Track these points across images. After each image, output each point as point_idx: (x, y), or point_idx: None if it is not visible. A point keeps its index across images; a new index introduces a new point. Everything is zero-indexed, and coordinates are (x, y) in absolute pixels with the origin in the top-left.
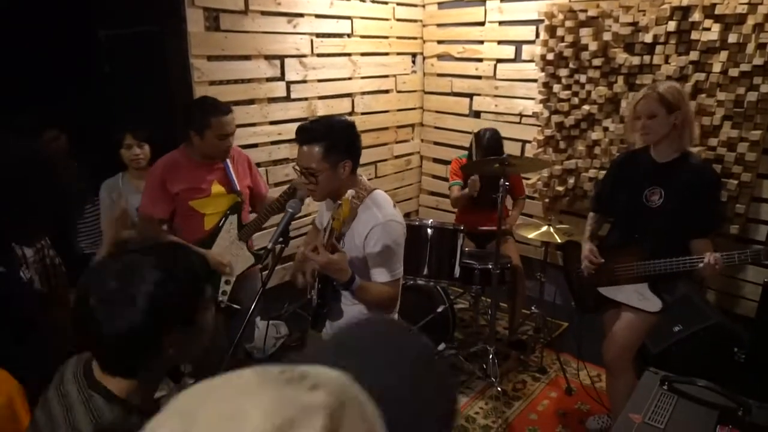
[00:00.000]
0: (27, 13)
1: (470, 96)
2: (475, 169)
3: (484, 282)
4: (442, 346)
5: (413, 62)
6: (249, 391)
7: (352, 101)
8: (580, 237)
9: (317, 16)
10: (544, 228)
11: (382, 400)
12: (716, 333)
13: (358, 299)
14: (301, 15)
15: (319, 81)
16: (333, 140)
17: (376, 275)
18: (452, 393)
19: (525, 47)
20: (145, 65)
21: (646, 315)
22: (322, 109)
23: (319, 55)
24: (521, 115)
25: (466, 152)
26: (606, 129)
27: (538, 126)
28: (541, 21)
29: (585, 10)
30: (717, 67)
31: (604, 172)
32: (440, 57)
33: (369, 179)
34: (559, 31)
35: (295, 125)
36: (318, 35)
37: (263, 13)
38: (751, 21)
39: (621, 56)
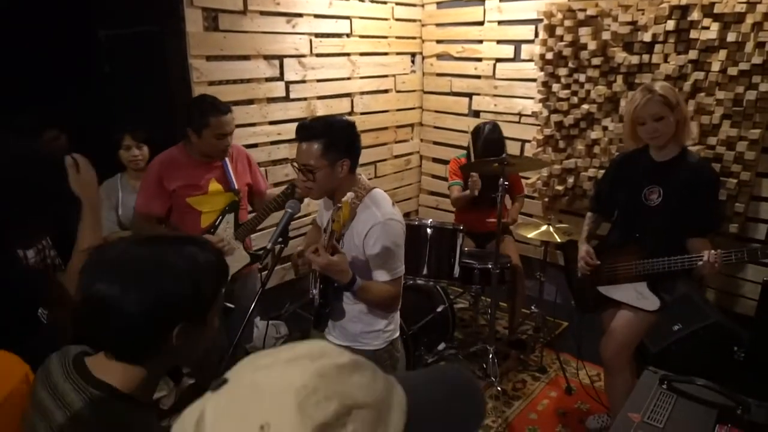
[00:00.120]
0: (27, 13)
1: (469, 95)
2: (474, 168)
3: (483, 281)
4: (441, 346)
5: (412, 62)
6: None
7: (352, 101)
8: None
9: (316, 16)
10: (544, 227)
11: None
12: (716, 332)
13: (360, 299)
14: (300, 15)
15: (318, 81)
16: (332, 138)
17: (377, 275)
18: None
19: (524, 47)
20: (144, 65)
21: (644, 314)
22: (322, 109)
23: (318, 55)
24: (520, 115)
25: (464, 152)
26: (605, 128)
27: (538, 125)
28: (540, 20)
29: (584, 10)
30: (716, 66)
31: (603, 171)
32: (439, 57)
33: (368, 179)
34: (558, 31)
35: (294, 125)
36: (317, 35)
37: (262, 13)
38: (749, 20)
39: (620, 55)
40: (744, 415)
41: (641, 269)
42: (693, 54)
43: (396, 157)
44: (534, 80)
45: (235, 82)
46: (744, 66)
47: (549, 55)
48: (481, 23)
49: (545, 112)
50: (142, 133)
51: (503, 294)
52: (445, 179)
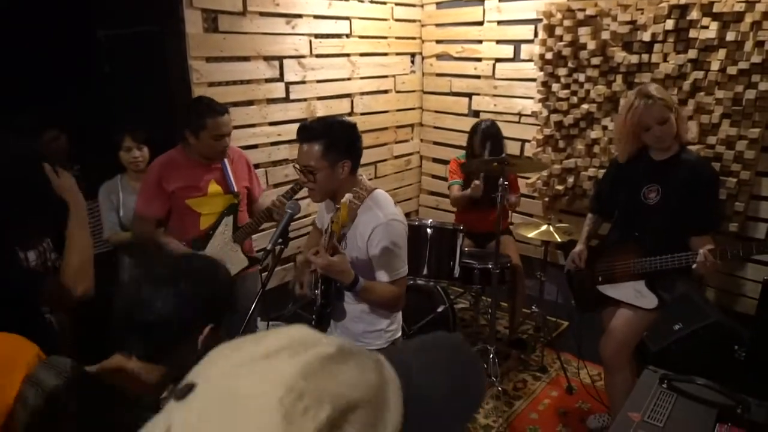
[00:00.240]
0: (27, 13)
1: (469, 95)
2: (474, 166)
3: (484, 281)
4: None
5: (412, 62)
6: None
7: (351, 102)
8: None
9: (316, 16)
10: (544, 227)
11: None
12: (716, 331)
13: (363, 300)
14: (299, 16)
15: (318, 82)
16: (332, 139)
17: (381, 275)
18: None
19: (524, 46)
20: (144, 66)
21: (643, 312)
22: (322, 109)
23: (318, 56)
24: (520, 115)
25: (464, 152)
26: (605, 128)
27: (537, 125)
28: (540, 20)
29: (583, 9)
30: (715, 65)
31: (603, 170)
32: (439, 57)
33: (369, 179)
34: (558, 31)
35: (294, 126)
36: (317, 36)
37: (261, 14)
38: (749, 19)
39: (619, 55)
40: (744, 415)
41: (638, 267)
42: (692, 53)
43: (396, 157)
44: (533, 80)
45: (234, 83)
46: (743, 65)
47: (548, 55)
48: (481, 23)
49: (545, 112)
50: (143, 133)
51: (503, 294)
52: (445, 179)
